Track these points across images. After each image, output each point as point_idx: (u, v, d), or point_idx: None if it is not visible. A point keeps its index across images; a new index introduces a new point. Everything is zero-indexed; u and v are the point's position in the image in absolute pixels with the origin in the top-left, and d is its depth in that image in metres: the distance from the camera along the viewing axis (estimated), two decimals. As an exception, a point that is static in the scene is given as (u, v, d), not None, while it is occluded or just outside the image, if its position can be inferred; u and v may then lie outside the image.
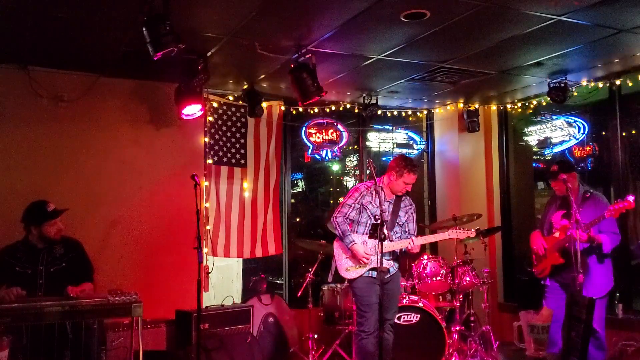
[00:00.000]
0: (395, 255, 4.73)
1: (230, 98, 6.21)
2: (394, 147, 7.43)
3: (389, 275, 4.61)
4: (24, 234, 4.22)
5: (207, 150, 5.95)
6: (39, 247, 4.16)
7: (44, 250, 4.16)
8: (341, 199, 7.90)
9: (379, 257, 4.08)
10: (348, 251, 4.64)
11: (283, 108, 6.51)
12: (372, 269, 4.57)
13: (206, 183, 5.96)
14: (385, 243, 4.56)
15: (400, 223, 4.74)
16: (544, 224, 5.13)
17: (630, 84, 5.65)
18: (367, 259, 4.53)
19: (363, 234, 4.63)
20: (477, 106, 7.09)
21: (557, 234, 4.81)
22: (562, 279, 4.80)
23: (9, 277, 3.99)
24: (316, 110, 6.72)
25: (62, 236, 4.31)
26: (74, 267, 4.21)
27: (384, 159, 7.64)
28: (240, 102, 6.19)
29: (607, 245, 4.63)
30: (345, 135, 6.97)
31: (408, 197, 4.84)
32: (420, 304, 5.28)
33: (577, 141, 6.49)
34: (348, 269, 4.63)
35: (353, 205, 4.68)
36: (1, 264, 4.07)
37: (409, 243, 4.58)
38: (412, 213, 4.81)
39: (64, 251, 4.23)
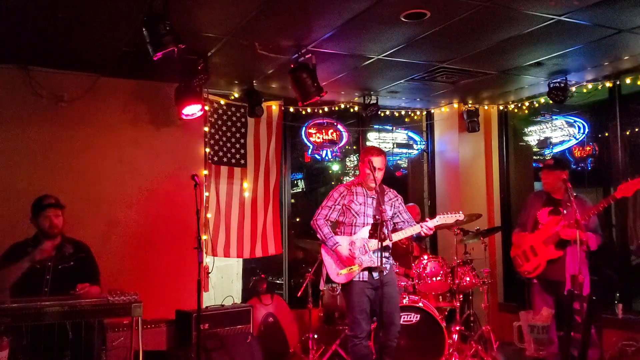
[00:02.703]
0: (389, 252, 4.60)
1: (230, 98, 6.21)
2: (394, 147, 7.43)
3: (385, 272, 4.46)
4: (35, 231, 4.26)
5: (207, 150, 5.96)
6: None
7: (54, 247, 4.19)
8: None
9: (379, 256, 4.04)
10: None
11: (283, 108, 6.51)
12: (365, 269, 4.42)
13: (206, 183, 5.96)
14: (394, 234, 4.50)
15: (386, 218, 4.57)
16: (527, 220, 5.10)
17: (630, 84, 5.65)
18: (351, 262, 4.39)
19: (351, 234, 4.49)
20: (477, 106, 7.09)
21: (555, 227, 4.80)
22: (551, 277, 4.80)
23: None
24: (316, 110, 6.72)
25: (72, 238, 4.36)
26: (81, 268, 4.24)
27: (384, 159, 7.64)
28: (240, 102, 6.19)
29: (593, 244, 4.61)
30: (345, 135, 6.97)
31: (392, 190, 4.75)
32: (420, 304, 5.28)
33: (577, 141, 6.50)
34: (339, 273, 4.46)
35: (333, 206, 4.56)
36: (11, 256, 4.11)
37: (420, 228, 4.48)
38: (399, 204, 4.71)
39: (73, 251, 4.28)
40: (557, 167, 4.87)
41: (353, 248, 4.46)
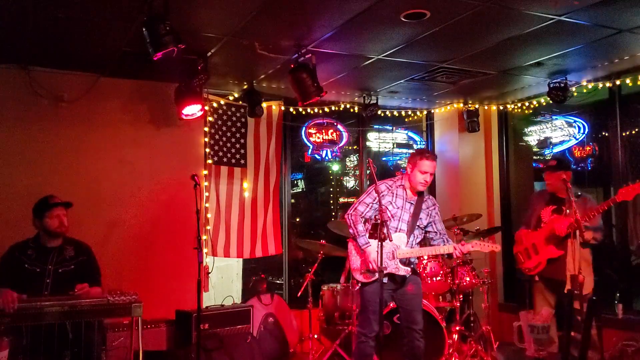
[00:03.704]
0: (407, 262, 4.43)
1: (230, 98, 6.21)
2: (394, 147, 7.43)
3: (400, 280, 4.41)
4: (36, 232, 4.22)
5: (207, 150, 5.96)
6: (50, 247, 4.17)
7: (55, 250, 4.17)
8: (341, 199, 7.96)
9: (379, 256, 4.00)
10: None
11: (283, 108, 6.52)
12: (386, 275, 4.30)
13: (206, 183, 5.96)
14: (425, 248, 4.46)
15: (421, 226, 4.46)
16: (530, 219, 5.13)
17: (630, 84, 5.65)
18: (375, 267, 4.22)
19: None
20: (477, 106, 7.09)
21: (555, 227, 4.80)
22: (551, 276, 4.80)
23: (18, 274, 4.00)
24: (316, 110, 6.72)
25: (74, 239, 4.33)
26: (82, 271, 4.20)
27: (384, 159, 7.65)
28: (240, 102, 6.19)
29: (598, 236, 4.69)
30: (345, 135, 6.97)
31: (431, 197, 4.59)
32: (420, 304, 5.28)
33: (577, 141, 6.50)
34: (362, 273, 4.38)
35: (371, 204, 4.38)
36: (11, 259, 4.07)
37: (454, 249, 4.28)
38: (436, 214, 4.53)
39: (74, 254, 4.23)
40: (559, 168, 4.88)
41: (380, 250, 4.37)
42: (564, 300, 4.72)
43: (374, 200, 4.38)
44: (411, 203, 4.45)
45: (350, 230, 4.41)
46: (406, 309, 4.41)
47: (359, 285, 4.49)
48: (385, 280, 4.31)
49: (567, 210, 4.73)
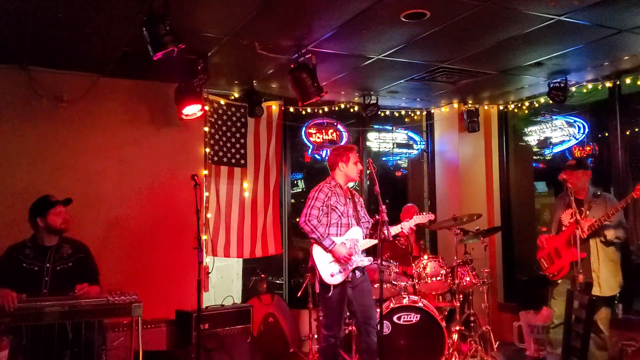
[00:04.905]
0: (367, 252, 4.59)
1: (230, 98, 6.21)
2: (394, 147, 7.43)
3: (360, 275, 4.48)
4: (32, 233, 4.22)
5: (207, 150, 5.96)
6: (48, 246, 4.17)
7: (52, 248, 4.18)
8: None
9: (380, 254, 4.03)
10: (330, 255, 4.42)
11: (283, 108, 6.52)
12: (354, 269, 4.42)
13: (206, 183, 5.96)
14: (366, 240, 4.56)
15: (361, 218, 4.64)
16: (553, 223, 5.13)
17: (630, 84, 5.66)
18: (349, 259, 4.34)
19: (337, 235, 4.44)
20: (477, 106, 7.09)
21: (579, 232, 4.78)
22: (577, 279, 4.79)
23: (16, 273, 4.01)
24: (316, 110, 6.72)
25: (71, 238, 4.33)
26: (80, 268, 4.22)
27: (383, 159, 7.65)
28: (240, 102, 6.19)
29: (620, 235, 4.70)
30: (345, 135, 6.97)
31: (355, 191, 4.77)
32: (420, 304, 5.28)
33: (577, 141, 6.49)
34: (333, 275, 4.37)
35: (321, 207, 4.46)
36: (9, 260, 4.08)
37: (401, 229, 4.59)
38: (363, 206, 4.79)
39: (72, 251, 4.24)
40: (578, 168, 4.86)
41: (345, 248, 4.44)
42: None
43: (323, 203, 4.49)
44: (349, 198, 4.61)
45: (313, 236, 4.41)
46: (363, 306, 4.42)
47: (331, 288, 4.40)
48: (349, 277, 4.40)
49: (587, 212, 4.71)
